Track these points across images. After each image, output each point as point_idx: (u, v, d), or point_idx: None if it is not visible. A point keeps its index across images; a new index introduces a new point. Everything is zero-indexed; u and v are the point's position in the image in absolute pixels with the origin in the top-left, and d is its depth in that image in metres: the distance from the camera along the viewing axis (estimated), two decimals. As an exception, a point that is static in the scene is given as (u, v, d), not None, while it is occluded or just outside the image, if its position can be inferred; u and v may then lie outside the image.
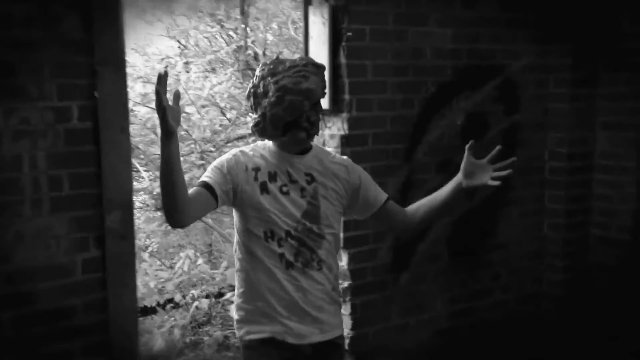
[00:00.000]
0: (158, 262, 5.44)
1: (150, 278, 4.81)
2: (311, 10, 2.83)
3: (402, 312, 3.08)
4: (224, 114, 5.64)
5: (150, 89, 5.77)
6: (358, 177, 2.04)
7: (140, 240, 5.43)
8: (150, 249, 5.72)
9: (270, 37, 5.27)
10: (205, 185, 1.89)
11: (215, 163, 1.96)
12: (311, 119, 1.90)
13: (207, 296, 4.73)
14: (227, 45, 5.37)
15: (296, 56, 2.01)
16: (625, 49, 3.16)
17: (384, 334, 3.04)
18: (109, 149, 2.26)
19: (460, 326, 3.28)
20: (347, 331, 2.91)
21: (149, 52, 6.22)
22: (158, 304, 4.19)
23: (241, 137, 5.53)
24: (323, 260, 1.98)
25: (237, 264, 2.00)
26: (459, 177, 1.99)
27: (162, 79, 1.64)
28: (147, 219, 5.66)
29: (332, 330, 2.00)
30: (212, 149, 5.31)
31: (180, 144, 1.83)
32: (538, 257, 3.52)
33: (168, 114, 1.65)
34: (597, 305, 3.30)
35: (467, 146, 1.97)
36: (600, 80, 3.25)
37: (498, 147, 1.96)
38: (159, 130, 1.69)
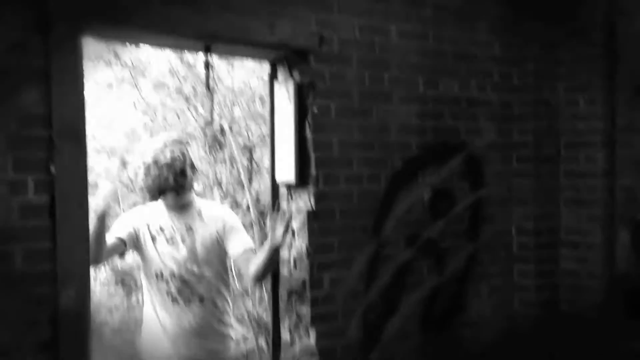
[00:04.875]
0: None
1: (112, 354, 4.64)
2: (277, 86, 2.85)
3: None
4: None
5: (114, 162, 5.71)
6: (230, 225, 2.76)
7: (99, 315, 5.27)
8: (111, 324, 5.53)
9: (237, 112, 5.33)
10: (118, 237, 2.72)
11: (122, 218, 2.82)
12: (179, 182, 2.69)
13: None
14: (195, 120, 5.42)
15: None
16: (581, 129, 3.25)
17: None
18: (64, 224, 2.17)
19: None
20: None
21: (115, 125, 6.20)
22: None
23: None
24: (204, 296, 2.71)
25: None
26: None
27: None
28: (109, 294, 5.48)
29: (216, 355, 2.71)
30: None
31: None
32: (509, 336, 3.45)
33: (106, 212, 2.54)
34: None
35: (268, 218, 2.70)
36: (562, 157, 3.32)
37: (287, 217, 2.67)
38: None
